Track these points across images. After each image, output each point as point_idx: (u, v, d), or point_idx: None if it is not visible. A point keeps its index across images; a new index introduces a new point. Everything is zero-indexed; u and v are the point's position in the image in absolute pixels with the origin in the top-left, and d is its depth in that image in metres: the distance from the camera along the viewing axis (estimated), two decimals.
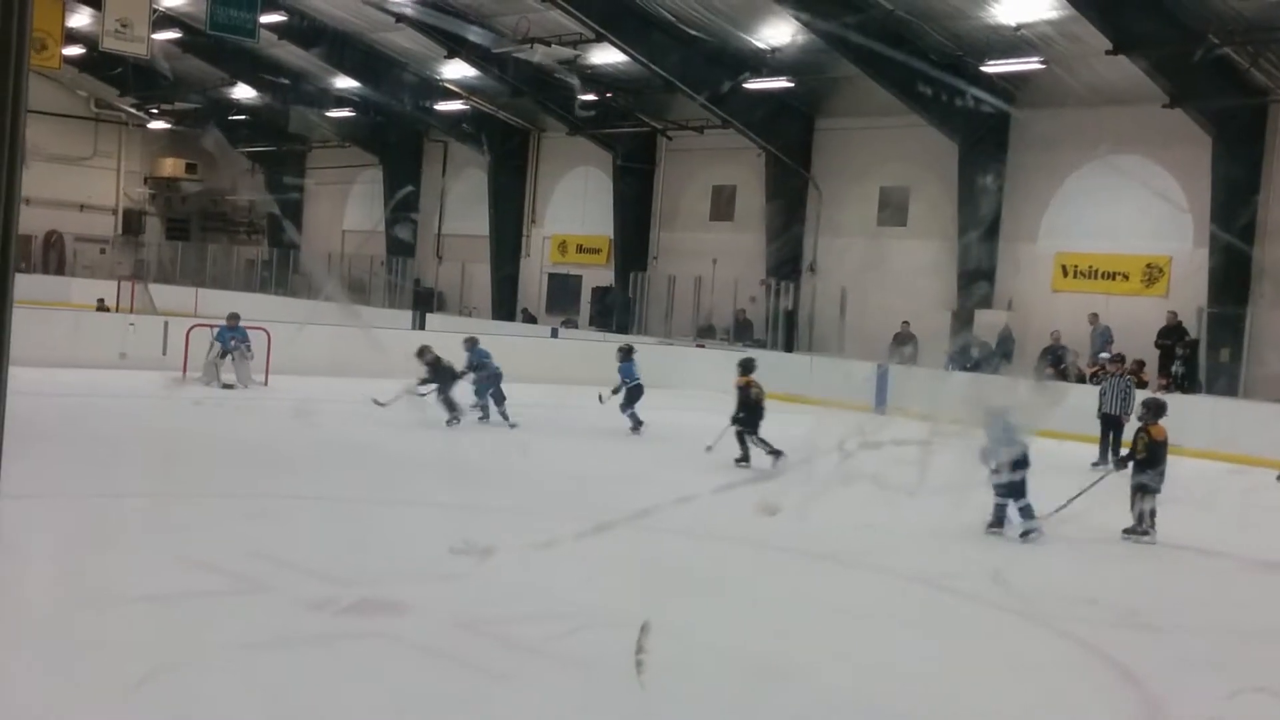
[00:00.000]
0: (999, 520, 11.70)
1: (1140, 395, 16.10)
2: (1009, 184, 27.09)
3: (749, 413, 15.53)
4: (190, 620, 7.46)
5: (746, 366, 16.05)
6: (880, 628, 8.69)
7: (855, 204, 29.98)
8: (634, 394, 18.60)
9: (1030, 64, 24.99)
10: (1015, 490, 11.60)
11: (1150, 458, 11.94)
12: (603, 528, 9.40)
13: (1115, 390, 18.09)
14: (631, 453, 17.06)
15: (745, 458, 15.33)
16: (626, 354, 19.35)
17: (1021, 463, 11.57)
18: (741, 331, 30.52)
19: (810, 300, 30.27)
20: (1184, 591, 10.85)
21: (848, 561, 10.47)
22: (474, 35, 31.62)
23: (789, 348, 29.41)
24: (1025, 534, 11.53)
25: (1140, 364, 22.84)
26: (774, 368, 26.43)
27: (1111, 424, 17.77)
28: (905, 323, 26.88)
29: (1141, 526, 11.92)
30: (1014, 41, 24.53)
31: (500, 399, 17.99)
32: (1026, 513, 11.58)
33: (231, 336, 20.55)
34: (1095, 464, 16.86)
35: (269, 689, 6.42)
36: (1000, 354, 25.93)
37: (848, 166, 29.93)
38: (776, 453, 14.92)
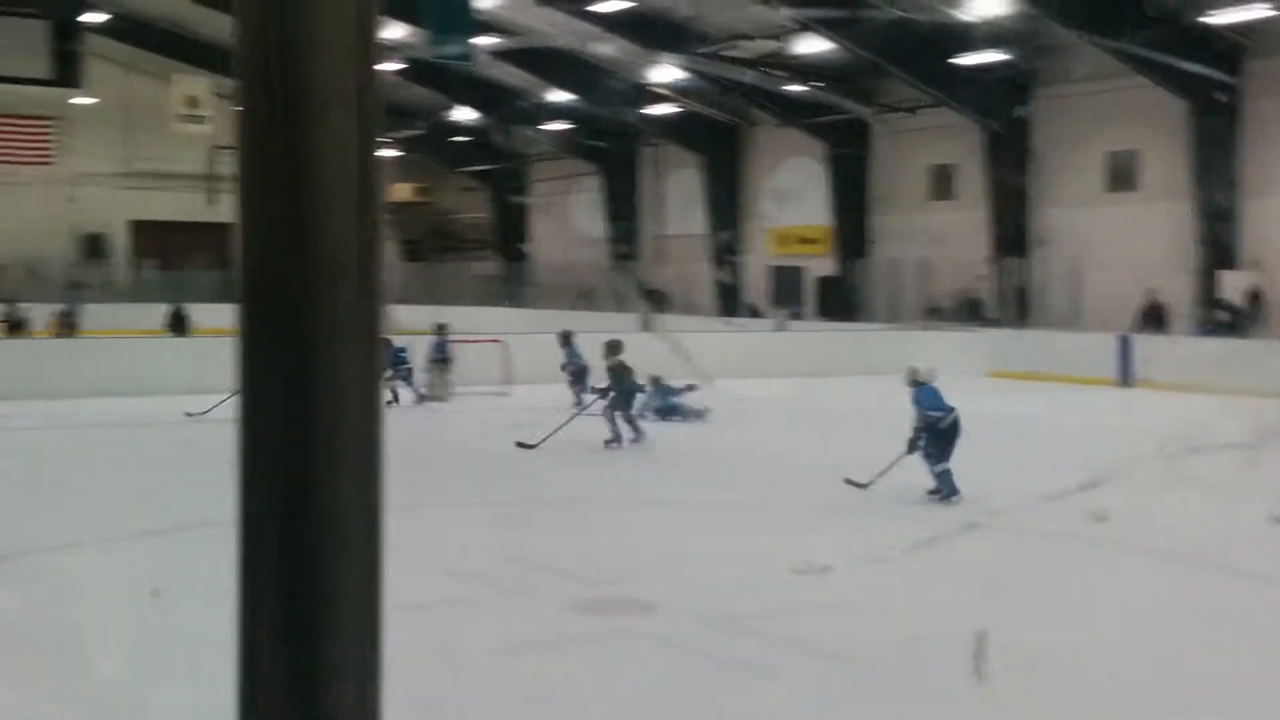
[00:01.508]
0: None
1: None
2: (1246, 137, 25.84)
3: (622, 393, 15.61)
4: (454, 626, 7.87)
5: (614, 348, 16.09)
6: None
7: (1081, 172, 29.10)
8: (579, 375, 19.24)
9: (1258, 9, 23.79)
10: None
11: None
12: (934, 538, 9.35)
13: None
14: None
15: (616, 438, 15.41)
16: (566, 339, 20.15)
17: (949, 431, 11.40)
18: (971, 310, 29.98)
19: (1041, 274, 29.52)
20: None
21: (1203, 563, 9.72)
22: (679, 38, 31.99)
23: (1022, 324, 28.75)
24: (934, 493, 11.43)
25: None
26: (1008, 345, 26.07)
27: None
28: (1150, 289, 25.68)
29: None
30: None
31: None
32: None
33: (430, 350, 21.08)
34: None
35: (531, 693, 6.72)
36: (1252, 315, 24.80)
37: (1070, 135, 29.07)
38: (638, 433, 15.48)
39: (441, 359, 20.95)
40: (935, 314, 30.51)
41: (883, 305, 32.57)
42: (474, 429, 17.96)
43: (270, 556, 1.32)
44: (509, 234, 49.26)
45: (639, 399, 17.31)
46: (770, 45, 30.95)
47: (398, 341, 20.19)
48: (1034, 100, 29.85)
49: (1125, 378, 23.43)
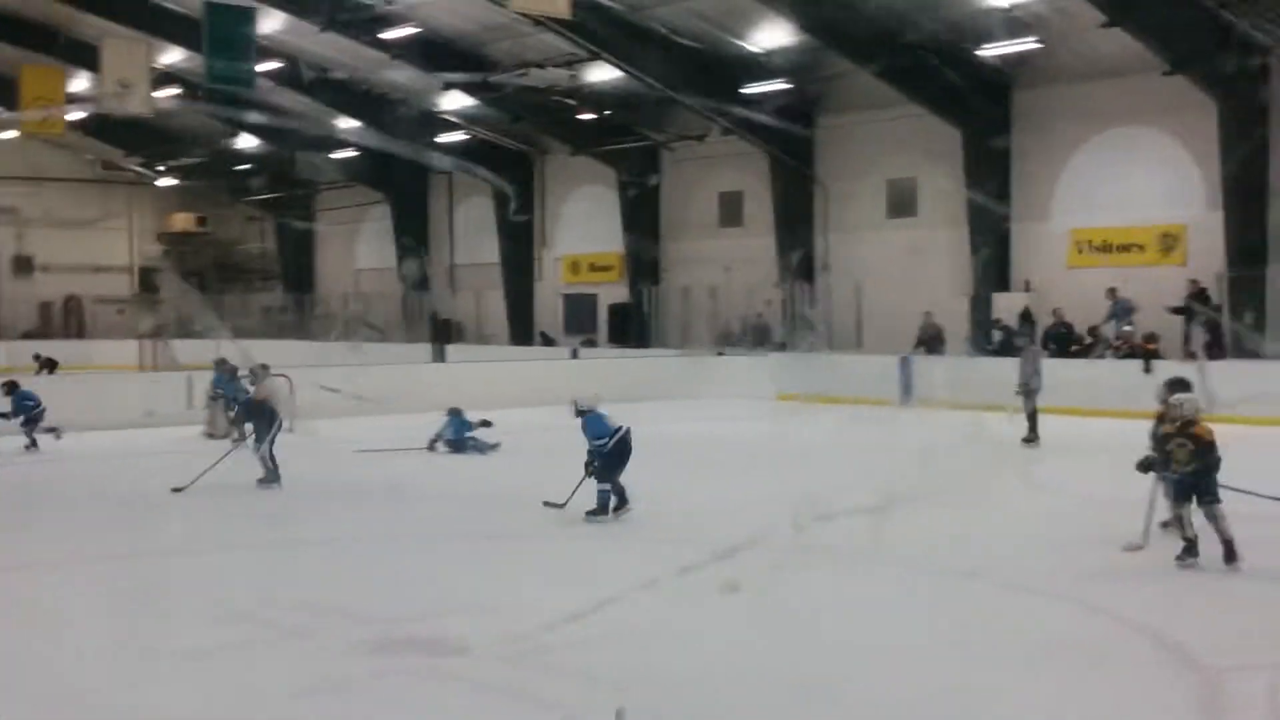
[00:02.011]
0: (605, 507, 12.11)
1: (1163, 368, 15.98)
2: (1016, 165, 27.04)
3: (260, 423, 14.63)
4: (239, 671, 7.48)
5: (255, 374, 15.53)
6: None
7: (863, 199, 29.96)
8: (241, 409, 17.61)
9: (1026, 44, 24.94)
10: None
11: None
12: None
13: None
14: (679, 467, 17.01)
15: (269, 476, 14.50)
16: (233, 373, 19.41)
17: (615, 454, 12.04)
18: (760, 336, 30.49)
19: (826, 299, 30.23)
20: None
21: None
22: (468, 65, 31.76)
23: (809, 348, 29.37)
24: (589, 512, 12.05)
25: (1153, 336, 22.80)
26: (796, 369, 26.58)
27: None
28: (927, 313, 26.67)
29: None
30: (1008, 22, 24.46)
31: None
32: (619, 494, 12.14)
33: (210, 386, 20.48)
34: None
35: None
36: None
37: (852, 162, 29.92)
38: (272, 476, 14.41)
39: (220, 396, 20.18)
40: (726, 339, 30.94)
41: (675, 331, 32.89)
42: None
43: None
44: (295, 264, 48.04)
45: (441, 430, 17.54)
46: (561, 73, 30.94)
47: (24, 385, 19.13)
48: (817, 128, 30.62)
49: (906, 397, 24.11)
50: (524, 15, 25.86)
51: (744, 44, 28.26)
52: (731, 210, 33.20)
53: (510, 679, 7.30)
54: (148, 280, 50.34)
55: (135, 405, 21.56)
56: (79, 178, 48.33)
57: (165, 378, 24.67)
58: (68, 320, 47.74)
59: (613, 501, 12.19)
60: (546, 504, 12.46)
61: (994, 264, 26.97)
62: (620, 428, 12.17)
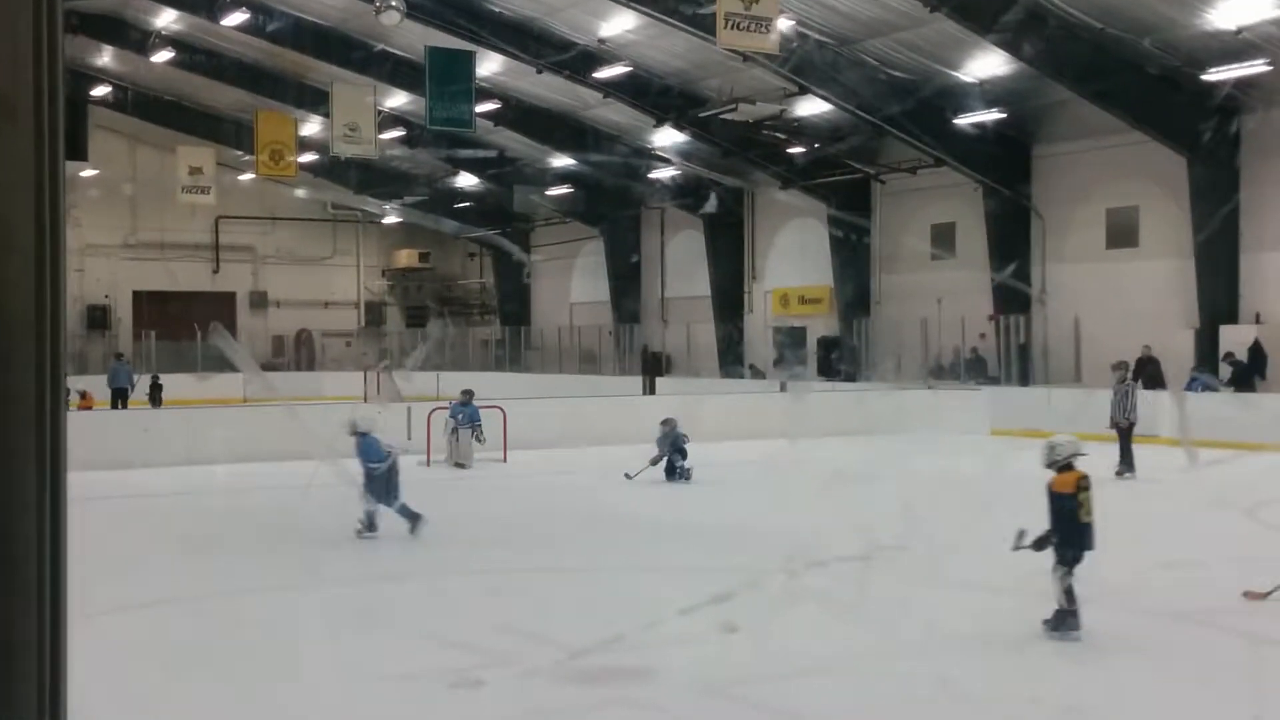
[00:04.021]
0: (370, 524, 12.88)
1: None
2: (1245, 191, 25.86)
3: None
4: (443, 696, 7.74)
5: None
6: None
7: (1081, 229, 29.11)
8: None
9: (1255, 66, 23.88)
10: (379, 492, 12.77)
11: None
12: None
13: None
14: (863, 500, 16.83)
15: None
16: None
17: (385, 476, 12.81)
18: (973, 369, 29.89)
19: (1043, 331, 29.46)
20: None
21: None
22: (679, 102, 32.24)
23: (1024, 381, 28.66)
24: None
25: None
26: (1010, 403, 25.96)
27: None
28: (1146, 346, 25.76)
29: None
30: (1236, 45, 23.51)
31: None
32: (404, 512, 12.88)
33: (460, 413, 21.10)
34: None
35: None
36: (1253, 369, 24.70)
37: (1070, 191, 29.12)
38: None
39: (465, 425, 20.82)
40: (938, 373, 30.43)
41: (885, 364, 32.50)
42: (491, 496, 17.84)
43: None
44: (511, 298, 49.37)
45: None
46: (771, 108, 31.11)
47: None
48: (1034, 158, 29.94)
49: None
50: (733, 51, 26.08)
51: (957, 74, 27.88)
52: (944, 242, 32.70)
53: (710, 712, 7.35)
54: (373, 314, 52.44)
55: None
56: (310, 217, 50.70)
57: (386, 408, 25.57)
58: (299, 353, 50.05)
59: (364, 522, 12.91)
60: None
61: (1222, 295, 25.86)
62: (391, 453, 12.89)
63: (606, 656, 8.51)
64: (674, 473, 18.04)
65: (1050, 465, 8.75)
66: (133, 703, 7.66)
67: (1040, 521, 8.64)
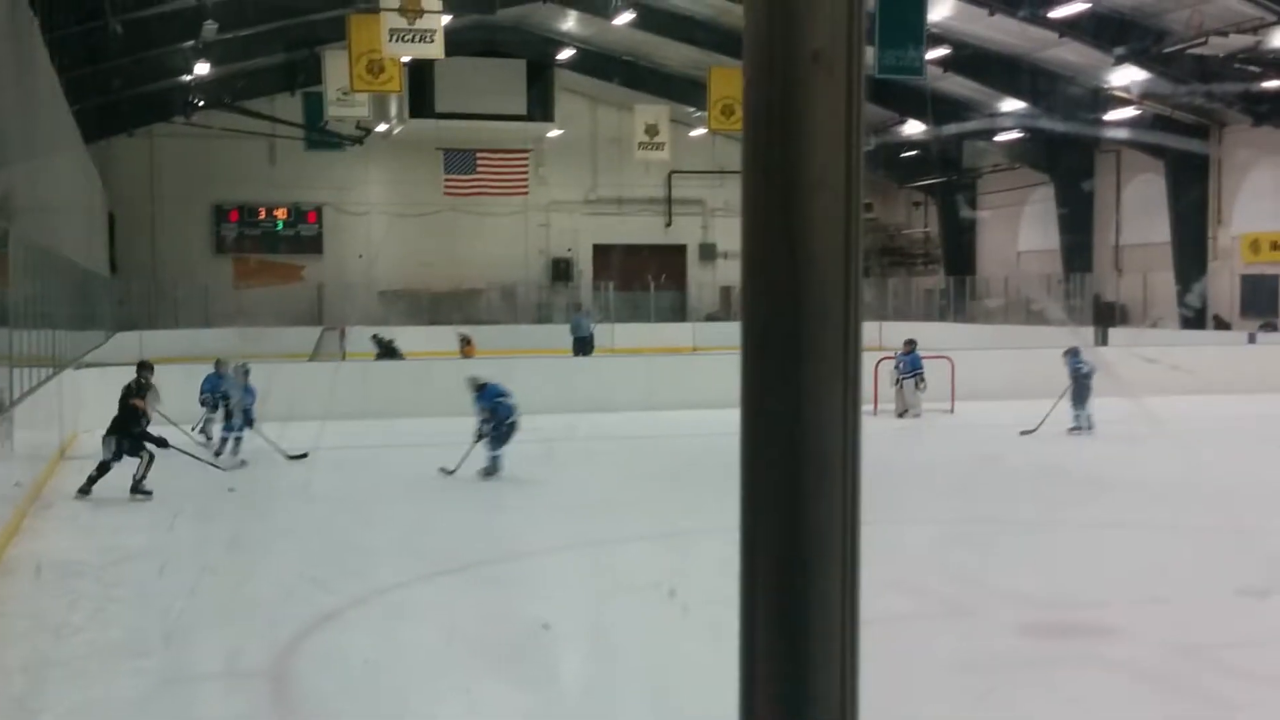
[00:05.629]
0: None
1: None
2: None
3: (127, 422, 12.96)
4: (900, 642, 8.02)
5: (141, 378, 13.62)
6: None
7: None
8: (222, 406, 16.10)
9: None
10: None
11: None
12: None
13: None
14: None
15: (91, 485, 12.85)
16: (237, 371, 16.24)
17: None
18: None
19: None
20: None
21: None
22: (1142, 37, 30.56)
23: None
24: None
25: None
26: None
27: None
28: None
29: None
30: None
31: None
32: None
33: (901, 361, 21.24)
34: None
35: (982, 712, 6.77)
36: None
37: None
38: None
39: (908, 374, 21.06)
40: None
41: None
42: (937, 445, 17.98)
43: (768, 566, 1.57)
44: (956, 248, 48.58)
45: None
46: (1244, 40, 28.93)
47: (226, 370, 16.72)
48: None
49: None
50: None
51: None
52: None
53: (1174, 673, 7.25)
54: None
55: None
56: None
57: None
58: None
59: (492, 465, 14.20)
60: (441, 470, 14.21)
61: None
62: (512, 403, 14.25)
63: (1071, 612, 8.51)
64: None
65: None
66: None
67: None
